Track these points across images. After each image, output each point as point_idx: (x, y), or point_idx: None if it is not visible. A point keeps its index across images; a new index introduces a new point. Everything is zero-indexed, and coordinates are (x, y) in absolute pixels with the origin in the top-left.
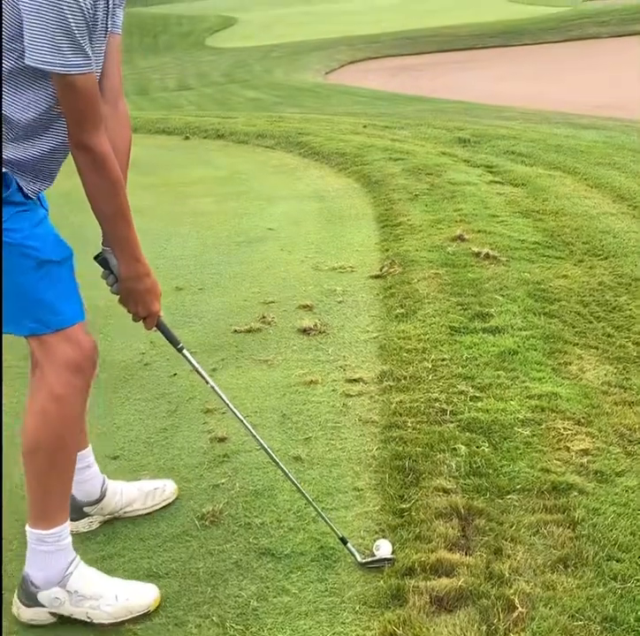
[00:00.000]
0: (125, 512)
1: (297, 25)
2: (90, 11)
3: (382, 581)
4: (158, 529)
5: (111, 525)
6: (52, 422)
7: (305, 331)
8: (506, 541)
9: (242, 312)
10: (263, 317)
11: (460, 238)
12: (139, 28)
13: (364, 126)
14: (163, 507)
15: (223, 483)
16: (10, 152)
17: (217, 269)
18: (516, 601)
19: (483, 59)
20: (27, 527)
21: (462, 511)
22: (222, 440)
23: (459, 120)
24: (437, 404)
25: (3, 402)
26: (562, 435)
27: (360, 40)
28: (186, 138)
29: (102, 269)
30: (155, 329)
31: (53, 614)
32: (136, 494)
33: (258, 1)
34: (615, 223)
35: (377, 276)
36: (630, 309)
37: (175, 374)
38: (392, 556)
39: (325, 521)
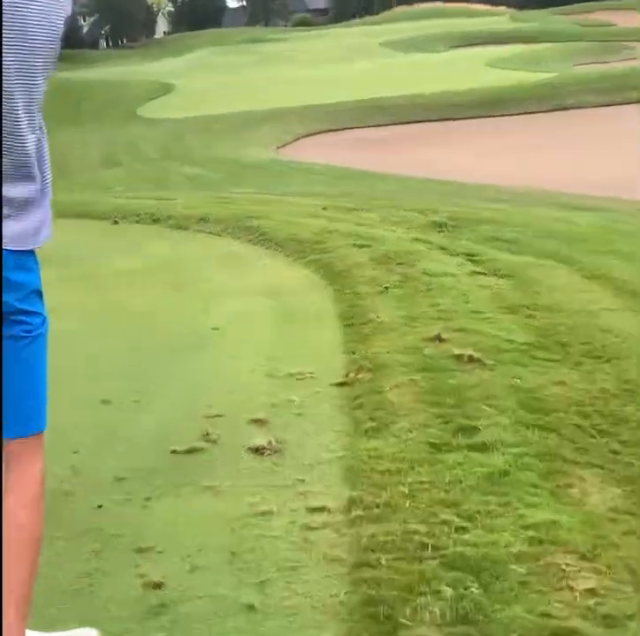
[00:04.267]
0: None
1: (243, 93)
2: None
3: None
4: None
5: None
6: (41, 508)
7: (257, 451)
8: None
9: (182, 428)
10: (207, 434)
11: (439, 339)
12: (57, 94)
13: (324, 208)
14: None
15: None
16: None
17: (150, 378)
18: None
19: (461, 131)
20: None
21: None
22: (157, 586)
23: (434, 201)
24: (416, 537)
25: None
26: (564, 572)
27: (316, 110)
28: (115, 223)
29: None
30: None
31: None
32: None
33: (197, 65)
34: (617, 320)
35: (341, 384)
36: (638, 421)
37: (101, 506)
38: None
39: None
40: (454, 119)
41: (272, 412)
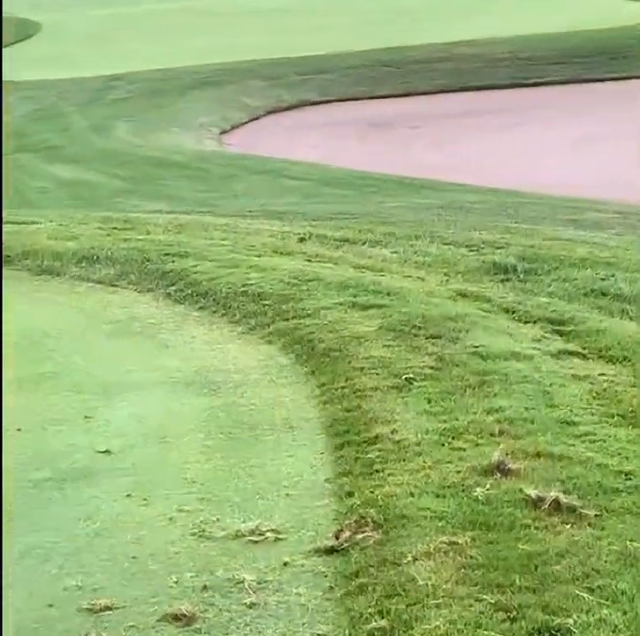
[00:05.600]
0: None
1: (156, 36)
2: None
3: None
4: None
5: None
6: None
7: None
8: None
9: (45, 630)
10: None
11: (501, 470)
12: None
13: (301, 239)
14: None
15: None
16: None
17: None
18: None
19: (544, 106)
20: None
21: None
22: None
23: (490, 226)
24: None
25: None
26: None
27: (286, 67)
28: None
29: None
30: None
31: None
32: None
33: None
34: None
35: (329, 551)
36: None
37: None
38: None
39: None
40: (531, 85)
41: (205, 602)
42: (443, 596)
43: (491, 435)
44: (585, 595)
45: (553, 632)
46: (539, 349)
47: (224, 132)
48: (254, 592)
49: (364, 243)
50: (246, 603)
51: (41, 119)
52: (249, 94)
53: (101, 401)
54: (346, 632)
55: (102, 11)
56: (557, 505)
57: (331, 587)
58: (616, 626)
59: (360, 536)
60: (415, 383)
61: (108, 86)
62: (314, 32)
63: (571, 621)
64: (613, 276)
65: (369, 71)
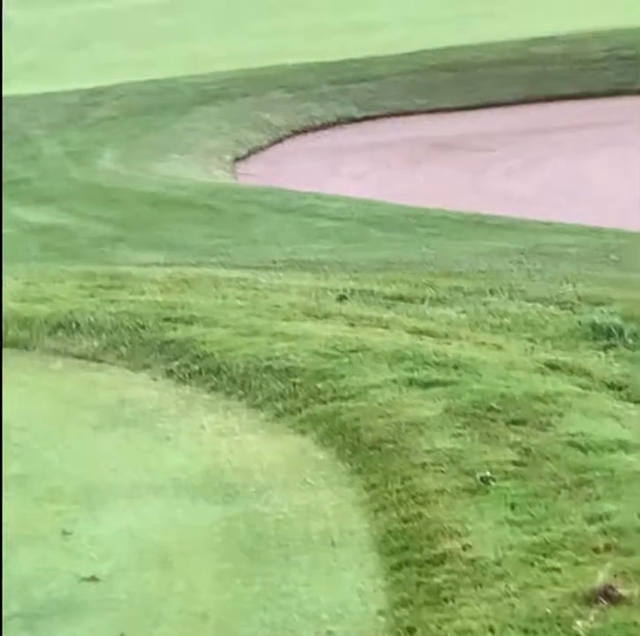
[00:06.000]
0: None
1: (153, 41)
2: None
3: None
4: None
5: None
6: None
7: None
8: None
9: None
10: None
11: (608, 596)
12: None
13: (341, 297)
14: None
15: None
16: None
17: None
18: None
19: None
20: None
21: None
22: None
23: (590, 278)
24: None
25: None
26: None
27: (321, 73)
28: None
29: None
30: None
31: None
32: None
33: None
34: None
35: None
36: None
37: None
38: None
39: None
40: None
41: None
42: None
43: (595, 550)
44: None
45: None
46: None
47: (238, 159)
48: None
49: (423, 301)
50: None
51: (3, 146)
52: (270, 110)
53: (83, 512)
54: None
55: (81, 7)
56: None
57: None
58: None
59: None
60: (492, 484)
61: (89, 102)
62: (351, 30)
63: None
64: None
65: (425, 78)
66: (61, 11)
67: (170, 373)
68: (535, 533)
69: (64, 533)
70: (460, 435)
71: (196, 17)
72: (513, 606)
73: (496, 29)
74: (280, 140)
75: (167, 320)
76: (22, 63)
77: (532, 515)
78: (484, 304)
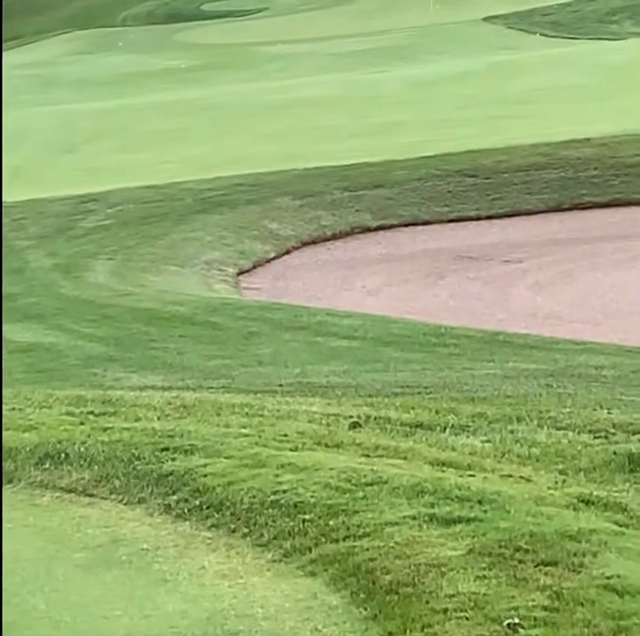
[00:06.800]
0: None
1: (150, 143)
2: None
3: None
4: None
5: None
6: None
7: None
8: None
9: None
10: None
11: None
12: None
13: (355, 424)
14: None
15: None
16: None
17: None
18: None
19: None
20: None
21: None
22: None
23: (627, 404)
24: None
25: None
26: None
27: (332, 178)
28: None
29: None
30: None
31: None
32: None
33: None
34: None
35: None
36: None
37: None
38: None
39: None
40: None
41: None
42: None
43: None
44: None
45: None
46: None
47: (242, 272)
48: None
49: (444, 429)
50: None
51: None
52: (277, 219)
53: None
54: None
55: (71, 107)
56: None
57: None
58: None
59: None
60: (521, 632)
61: (80, 210)
62: (367, 132)
63: None
64: None
65: (446, 185)
66: (48, 110)
67: (167, 508)
68: None
69: None
70: (485, 577)
71: (196, 118)
72: None
73: (524, 132)
74: (288, 252)
75: (165, 450)
76: (7, 167)
77: None
78: (511, 432)
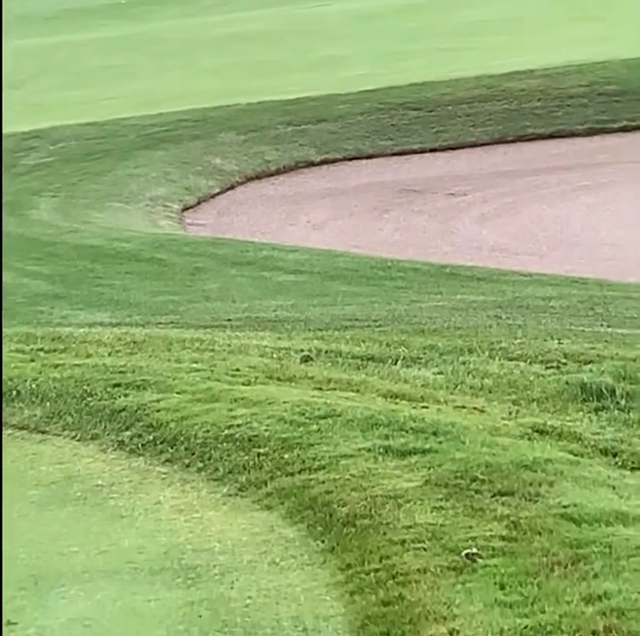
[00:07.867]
0: None
1: (93, 79)
2: None
3: None
4: None
5: None
6: None
7: None
8: None
9: None
10: None
11: None
12: None
13: (306, 358)
14: None
15: None
16: None
17: None
18: None
19: None
20: None
21: None
22: None
23: (576, 334)
24: None
25: None
26: None
27: (276, 113)
28: None
29: None
30: None
31: None
32: None
33: None
34: None
35: None
36: None
37: None
38: None
39: None
40: (625, 128)
41: None
42: None
43: (594, 634)
44: None
45: None
46: None
47: (187, 207)
48: None
49: (396, 361)
50: None
51: None
52: (221, 154)
53: (31, 599)
54: None
55: (14, 43)
56: None
57: None
58: None
59: None
60: (479, 562)
61: (22, 147)
62: (310, 66)
63: None
64: None
65: (390, 118)
66: None
67: (121, 444)
68: (528, 616)
69: (9, 623)
70: (442, 508)
71: (140, 54)
72: None
73: (467, 64)
74: (232, 187)
75: (117, 385)
76: None
77: (524, 595)
78: (463, 363)
